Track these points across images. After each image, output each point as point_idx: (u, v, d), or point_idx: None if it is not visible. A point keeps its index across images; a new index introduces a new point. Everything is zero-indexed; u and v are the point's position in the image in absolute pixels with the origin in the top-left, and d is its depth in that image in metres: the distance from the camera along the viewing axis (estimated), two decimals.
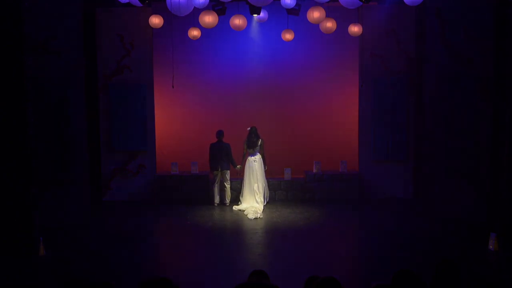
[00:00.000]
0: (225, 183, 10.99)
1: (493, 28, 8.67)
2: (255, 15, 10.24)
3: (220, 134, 10.87)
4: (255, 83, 11.81)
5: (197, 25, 9.82)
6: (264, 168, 10.75)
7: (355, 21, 10.38)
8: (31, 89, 7.80)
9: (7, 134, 7.63)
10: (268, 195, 10.94)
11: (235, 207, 10.66)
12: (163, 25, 10.13)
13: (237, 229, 9.36)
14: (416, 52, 11.06)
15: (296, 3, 9.53)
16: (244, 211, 10.34)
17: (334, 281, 3.69)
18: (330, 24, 9.67)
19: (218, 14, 9.79)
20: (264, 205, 10.61)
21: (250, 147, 10.68)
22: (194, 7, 8.81)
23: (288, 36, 10.44)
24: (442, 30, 9.52)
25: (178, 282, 3.89)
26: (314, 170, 11.48)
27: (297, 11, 10.08)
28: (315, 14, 9.31)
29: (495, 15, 8.58)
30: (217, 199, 10.97)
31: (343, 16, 10.39)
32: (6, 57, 7.61)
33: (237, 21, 9.82)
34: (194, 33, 10.14)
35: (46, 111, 9.10)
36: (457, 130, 9.40)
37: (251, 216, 9.92)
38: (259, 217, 9.90)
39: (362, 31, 10.29)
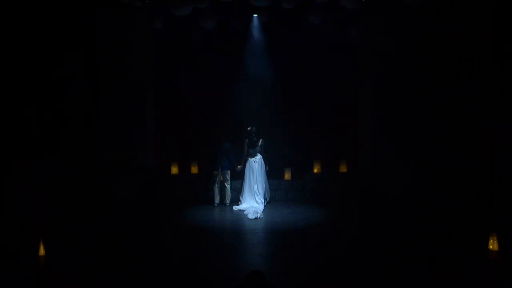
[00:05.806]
0: (225, 183, 11.00)
1: (493, 27, 8.68)
2: (255, 15, 10.26)
3: (221, 134, 10.88)
4: (255, 83, 11.83)
5: (197, 25, 9.83)
6: (266, 168, 10.77)
7: (355, 21, 10.39)
8: (32, 89, 7.81)
9: (7, 135, 7.64)
10: (268, 195, 10.95)
11: (235, 207, 10.67)
12: (163, 25, 10.14)
13: (237, 229, 9.36)
14: (416, 51, 11.05)
15: None
16: (244, 211, 10.34)
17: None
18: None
19: (218, 14, 9.80)
20: (264, 205, 10.62)
21: (251, 147, 10.69)
22: (194, 7, 8.83)
23: (288, 36, 10.45)
24: (441, 29, 9.53)
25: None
26: (314, 170, 11.49)
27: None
28: (315, 14, 9.33)
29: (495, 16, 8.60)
30: (217, 199, 10.98)
31: (343, 16, 10.39)
32: (8, 57, 7.64)
33: (237, 21, 9.84)
34: (194, 33, 10.16)
35: (46, 110, 9.10)
36: (458, 130, 9.41)
37: (251, 216, 9.93)
38: (259, 217, 9.91)
39: (362, 31, 10.30)
